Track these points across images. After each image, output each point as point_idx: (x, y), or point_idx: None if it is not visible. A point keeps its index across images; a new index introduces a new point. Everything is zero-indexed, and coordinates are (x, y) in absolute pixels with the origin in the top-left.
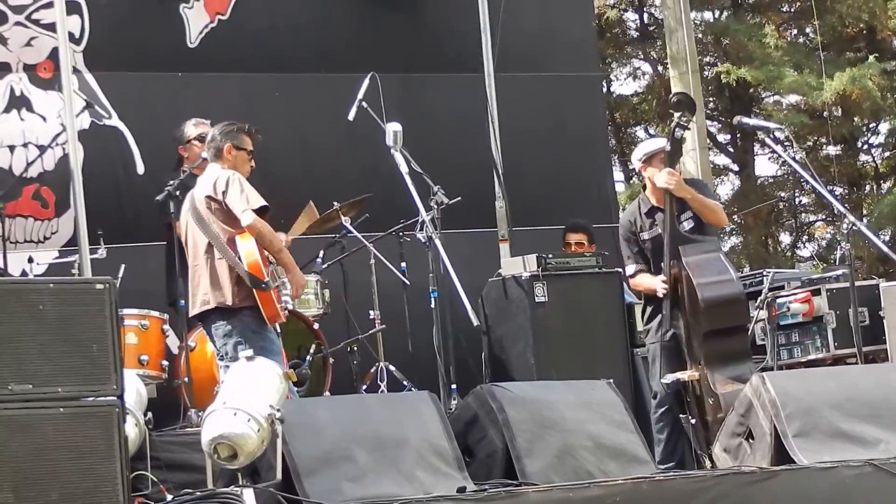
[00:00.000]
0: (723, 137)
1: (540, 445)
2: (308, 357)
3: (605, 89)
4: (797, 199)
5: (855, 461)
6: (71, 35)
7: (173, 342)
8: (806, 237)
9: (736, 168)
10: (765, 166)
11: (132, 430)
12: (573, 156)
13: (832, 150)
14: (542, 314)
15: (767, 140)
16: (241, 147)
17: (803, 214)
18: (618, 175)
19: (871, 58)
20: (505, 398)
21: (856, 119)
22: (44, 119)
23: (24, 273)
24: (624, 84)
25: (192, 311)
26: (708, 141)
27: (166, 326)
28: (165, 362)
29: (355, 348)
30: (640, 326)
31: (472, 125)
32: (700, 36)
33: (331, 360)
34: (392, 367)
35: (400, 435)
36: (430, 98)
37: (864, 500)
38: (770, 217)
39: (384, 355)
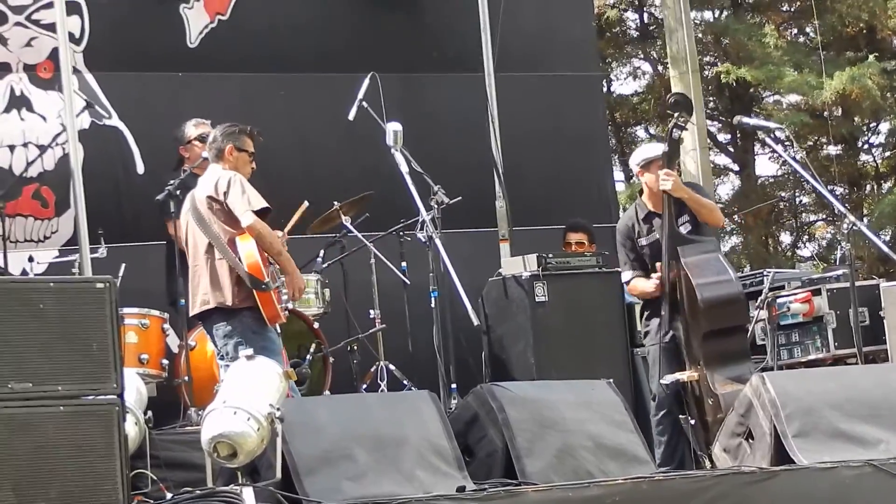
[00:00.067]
0: (723, 137)
1: (540, 445)
2: (308, 356)
3: (605, 89)
4: (797, 199)
5: (855, 461)
6: (71, 35)
7: (173, 341)
8: (806, 237)
9: (736, 168)
10: (765, 166)
11: (132, 428)
12: (573, 156)
13: (832, 149)
14: (542, 314)
15: (768, 140)
16: (242, 148)
17: (804, 214)
18: (618, 175)
19: (871, 57)
20: (505, 398)
21: (856, 119)
22: (44, 119)
23: (24, 272)
24: (624, 84)
25: (193, 311)
26: (708, 141)
27: (166, 325)
28: (165, 361)
29: (355, 347)
30: (639, 327)
31: (472, 125)
32: (700, 36)
33: (331, 360)
34: (392, 367)
35: (400, 434)
36: (430, 98)
37: (864, 500)
38: (770, 217)
39: (384, 355)
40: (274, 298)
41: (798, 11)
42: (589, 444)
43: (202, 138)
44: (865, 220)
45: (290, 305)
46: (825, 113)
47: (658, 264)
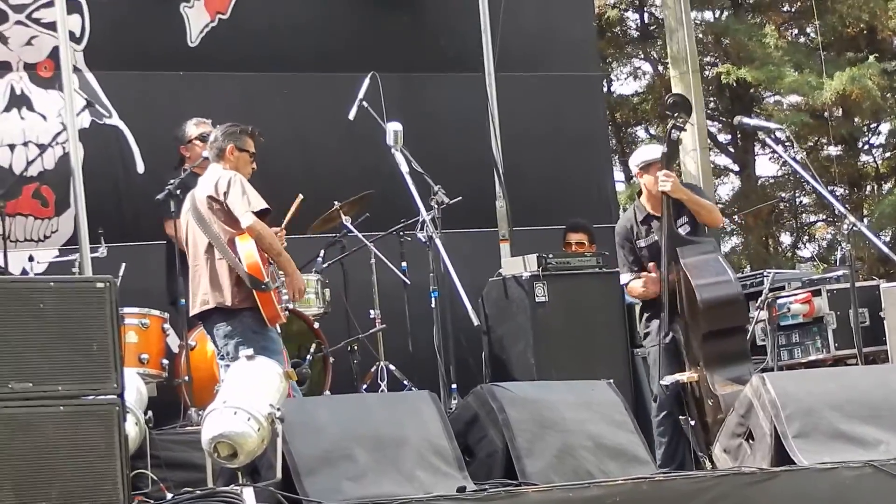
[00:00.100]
0: (723, 137)
1: (540, 445)
2: (308, 356)
3: (605, 89)
4: (798, 200)
5: (855, 462)
6: (71, 34)
7: (174, 341)
8: (806, 238)
9: (736, 168)
10: (765, 166)
11: (132, 428)
12: (573, 156)
13: (833, 150)
14: (542, 314)
15: (768, 140)
16: (243, 149)
17: (804, 215)
18: (618, 175)
19: (872, 58)
20: (505, 398)
21: (856, 119)
22: (44, 118)
23: (24, 272)
24: (624, 84)
25: (193, 311)
26: (708, 141)
27: (167, 325)
28: (166, 361)
29: (355, 348)
30: (640, 328)
31: (472, 125)
32: (700, 36)
33: (331, 360)
34: (392, 367)
35: (400, 434)
36: (430, 98)
37: (864, 501)
38: (770, 217)
39: (384, 355)
40: (274, 299)
41: (798, 12)
42: (589, 444)
43: (203, 138)
44: (866, 220)
45: (290, 305)
46: (825, 113)
47: (651, 265)
